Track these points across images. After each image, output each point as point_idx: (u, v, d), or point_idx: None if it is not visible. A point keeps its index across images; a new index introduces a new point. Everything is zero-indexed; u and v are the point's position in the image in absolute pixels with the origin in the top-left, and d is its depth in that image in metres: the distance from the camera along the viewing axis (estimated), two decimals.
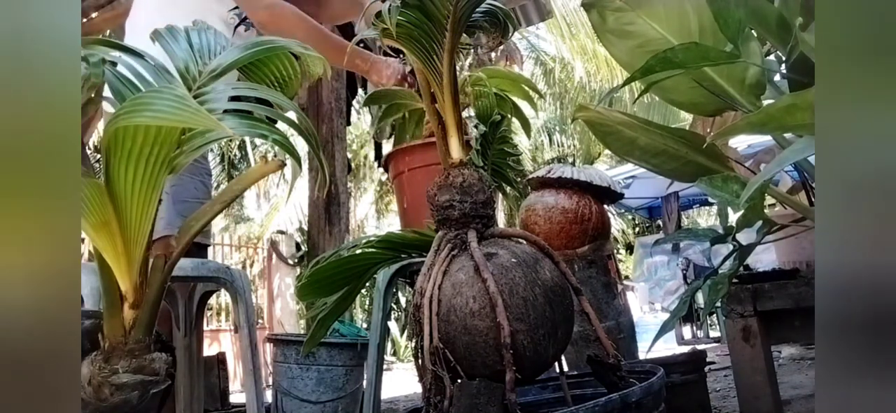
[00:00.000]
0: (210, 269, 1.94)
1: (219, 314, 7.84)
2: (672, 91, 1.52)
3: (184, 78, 0.96)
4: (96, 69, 0.82)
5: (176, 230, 0.95)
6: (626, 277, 8.65)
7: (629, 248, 12.87)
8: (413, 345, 1.13)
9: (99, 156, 0.94)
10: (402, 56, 1.88)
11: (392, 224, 12.09)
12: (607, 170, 7.66)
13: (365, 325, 5.55)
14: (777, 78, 1.42)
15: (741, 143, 4.54)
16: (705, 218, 13.10)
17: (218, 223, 11.44)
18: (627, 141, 1.59)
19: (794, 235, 1.65)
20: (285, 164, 0.98)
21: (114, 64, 0.90)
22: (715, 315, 7.17)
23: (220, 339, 7.27)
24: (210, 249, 7.99)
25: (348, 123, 3.92)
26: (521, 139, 7.80)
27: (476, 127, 1.60)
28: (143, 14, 1.89)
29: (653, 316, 8.73)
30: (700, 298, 5.63)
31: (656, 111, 8.80)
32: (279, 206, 12.48)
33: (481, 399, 0.98)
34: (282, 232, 9.19)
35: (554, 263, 1.15)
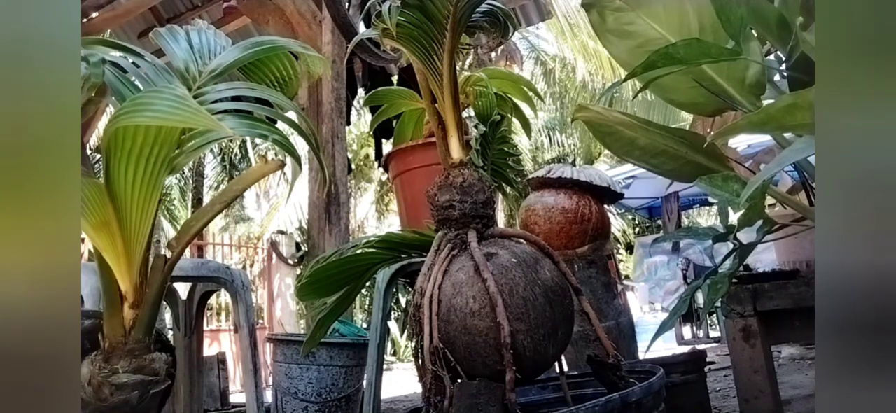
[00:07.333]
0: (210, 269, 1.94)
1: (219, 314, 7.83)
2: (672, 91, 1.52)
3: (184, 78, 0.96)
4: (96, 69, 0.82)
5: None
6: (626, 277, 8.65)
7: (629, 248, 12.86)
8: (413, 345, 1.13)
9: (99, 156, 0.94)
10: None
11: (392, 224, 12.09)
12: (607, 170, 7.66)
13: (365, 325, 5.55)
14: (777, 78, 1.42)
15: (741, 143, 4.54)
16: (705, 218, 13.09)
17: (218, 223, 11.45)
18: (627, 141, 1.59)
19: (794, 235, 1.65)
20: (285, 164, 0.98)
21: (114, 64, 0.90)
22: (715, 315, 7.17)
23: (220, 339, 7.27)
24: (210, 249, 7.89)
25: (348, 123, 3.92)
26: (521, 139, 7.80)
27: (476, 127, 1.60)
28: None
29: (653, 316, 8.73)
30: (700, 298, 5.63)
31: (656, 111, 8.78)
32: (279, 206, 12.48)
33: (481, 399, 0.98)
34: (282, 232, 9.18)
35: (554, 263, 1.15)
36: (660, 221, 9.10)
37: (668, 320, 1.48)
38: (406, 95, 2.10)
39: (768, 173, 0.94)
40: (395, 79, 4.40)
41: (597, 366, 1.17)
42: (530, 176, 2.14)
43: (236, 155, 12.10)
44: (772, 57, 1.48)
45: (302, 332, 4.53)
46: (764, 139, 3.10)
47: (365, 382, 2.05)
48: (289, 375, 2.46)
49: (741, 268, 1.62)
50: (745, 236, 1.42)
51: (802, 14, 1.14)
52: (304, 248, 7.68)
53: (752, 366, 1.59)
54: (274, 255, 7.93)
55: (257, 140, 9.07)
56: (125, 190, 0.83)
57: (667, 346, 6.13)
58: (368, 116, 5.97)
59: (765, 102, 1.34)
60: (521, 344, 1.03)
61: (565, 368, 1.36)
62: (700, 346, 2.35)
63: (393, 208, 11.92)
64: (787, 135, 1.32)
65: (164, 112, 0.71)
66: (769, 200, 1.67)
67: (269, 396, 2.64)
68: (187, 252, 1.04)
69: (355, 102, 4.55)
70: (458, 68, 1.27)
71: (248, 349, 1.85)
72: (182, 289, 2.15)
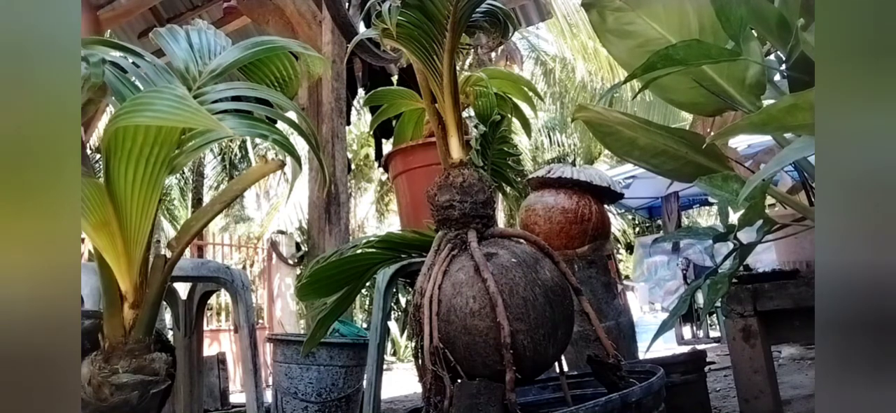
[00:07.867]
0: (210, 269, 1.94)
1: (219, 314, 7.84)
2: (672, 91, 1.52)
3: (184, 78, 0.96)
4: (96, 69, 0.83)
5: None
6: (626, 277, 8.64)
7: (629, 248, 12.85)
8: (413, 345, 1.13)
9: (99, 156, 0.94)
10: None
11: (392, 224, 12.09)
12: (607, 170, 7.66)
13: (365, 325, 5.54)
14: (777, 78, 1.42)
15: (741, 143, 4.54)
16: (705, 218, 13.09)
17: (218, 223, 11.45)
18: (627, 141, 1.59)
19: (794, 235, 1.65)
20: (285, 164, 0.98)
21: (114, 64, 0.90)
22: (715, 315, 7.17)
23: (220, 339, 7.27)
24: (210, 249, 7.88)
25: (348, 123, 3.92)
26: (521, 139, 7.79)
27: (476, 127, 1.60)
28: None
29: (653, 316, 8.73)
30: (700, 298, 5.63)
31: (656, 111, 8.78)
32: (279, 206, 12.48)
33: (481, 399, 0.98)
34: (282, 232, 9.18)
35: (554, 263, 1.15)
36: (660, 221, 9.10)
37: (668, 320, 1.48)
38: (406, 95, 2.10)
39: (768, 173, 0.94)
40: (395, 79, 4.40)
41: (597, 366, 1.17)
42: (530, 176, 2.14)
43: (236, 155, 12.10)
44: (772, 57, 1.48)
45: (302, 332, 4.53)
46: (764, 139, 3.10)
47: (365, 382, 2.05)
48: (289, 375, 2.46)
49: (741, 268, 1.62)
50: (745, 236, 1.42)
51: (802, 14, 1.14)
52: (304, 248, 7.68)
53: (752, 366, 1.59)
54: (274, 255, 7.92)
55: (257, 140, 9.07)
56: (125, 190, 0.83)
57: (667, 346, 6.13)
58: (368, 116, 5.97)
59: (765, 102, 1.34)
60: (521, 344, 1.03)
61: (565, 368, 1.36)
62: (700, 346, 2.35)
63: (393, 208, 11.92)
64: (788, 135, 1.32)
65: (164, 112, 0.71)
66: (769, 200, 1.67)
67: (269, 396, 2.64)
68: (187, 252, 1.04)
69: (355, 102, 4.55)
70: (458, 68, 1.27)
71: (248, 349, 1.85)
72: (182, 289, 2.15)
